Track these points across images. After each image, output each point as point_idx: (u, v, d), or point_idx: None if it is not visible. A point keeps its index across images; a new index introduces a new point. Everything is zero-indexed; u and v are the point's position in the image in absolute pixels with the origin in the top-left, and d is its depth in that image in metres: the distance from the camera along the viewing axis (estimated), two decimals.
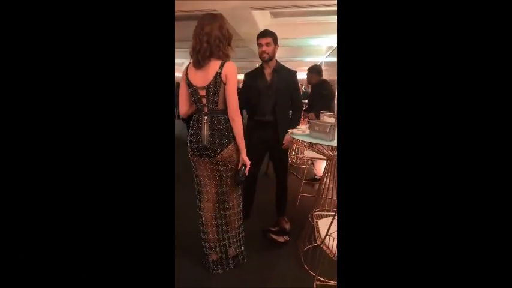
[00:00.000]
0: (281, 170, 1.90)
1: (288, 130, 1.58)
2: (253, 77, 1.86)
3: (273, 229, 1.86)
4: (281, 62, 1.88)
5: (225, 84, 1.28)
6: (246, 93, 1.88)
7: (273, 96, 1.79)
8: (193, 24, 1.30)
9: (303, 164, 3.28)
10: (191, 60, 1.32)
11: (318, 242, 0.90)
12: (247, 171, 1.37)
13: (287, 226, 1.92)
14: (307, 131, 1.37)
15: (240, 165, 1.37)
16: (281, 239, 1.75)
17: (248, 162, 1.36)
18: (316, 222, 1.01)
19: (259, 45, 1.78)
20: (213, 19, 1.29)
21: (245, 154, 1.36)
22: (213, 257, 1.48)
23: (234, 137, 1.35)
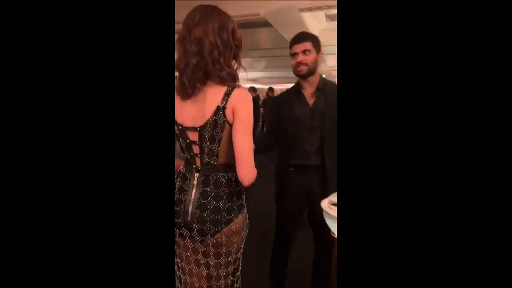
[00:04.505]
0: (324, 234, 1.14)
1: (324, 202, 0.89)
2: (287, 101, 1.27)
3: None
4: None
5: (231, 125, 0.74)
6: (276, 126, 1.30)
7: (318, 129, 1.19)
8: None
9: None
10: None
11: None
12: None
13: None
14: None
15: None
16: None
17: None
18: None
19: (294, 54, 1.20)
20: (207, 15, 0.74)
21: None
22: None
23: (239, 210, 0.81)
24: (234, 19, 0.79)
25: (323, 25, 4.26)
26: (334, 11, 3.66)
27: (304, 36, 1.20)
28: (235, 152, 0.74)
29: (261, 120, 6.38)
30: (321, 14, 4.00)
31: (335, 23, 4.33)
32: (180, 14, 0.79)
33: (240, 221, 0.80)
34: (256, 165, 0.76)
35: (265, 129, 7.60)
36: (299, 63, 1.18)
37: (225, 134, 0.75)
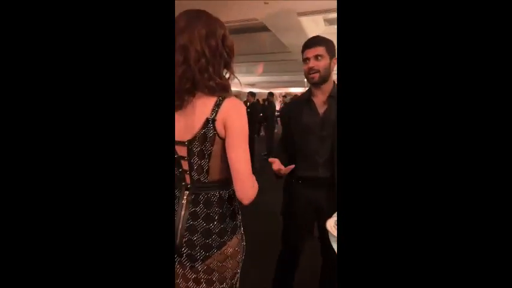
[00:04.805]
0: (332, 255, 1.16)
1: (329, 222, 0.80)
2: (297, 109, 1.21)
3: None
4: None
5: (222, 139, 0.68)
6: (284, 134, 1.25)
7: (329, 138, 1.11)
8: None
9: None
10: None
11: None
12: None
13: None
14: None
15: None
16: None
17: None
18: None
19: (305, 60, 1.13)
20: (194, 20, 0.68)
21: None
22: None
23: (233, 231, 0.74)
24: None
25: (322, 29, 4.23)
26: (333, 15, 3.64)
27: (317, 41, 1.13)
28: (230, 167, 0.67)
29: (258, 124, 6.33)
30: (320, 18, 3.98)
31: (334, 27, 4.31)
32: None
33: (234, 244, 0.74)
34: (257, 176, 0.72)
35: (262, 133, 7.54)
36: (311, 69, 1.11)
37: (215, 149, 0.69)
